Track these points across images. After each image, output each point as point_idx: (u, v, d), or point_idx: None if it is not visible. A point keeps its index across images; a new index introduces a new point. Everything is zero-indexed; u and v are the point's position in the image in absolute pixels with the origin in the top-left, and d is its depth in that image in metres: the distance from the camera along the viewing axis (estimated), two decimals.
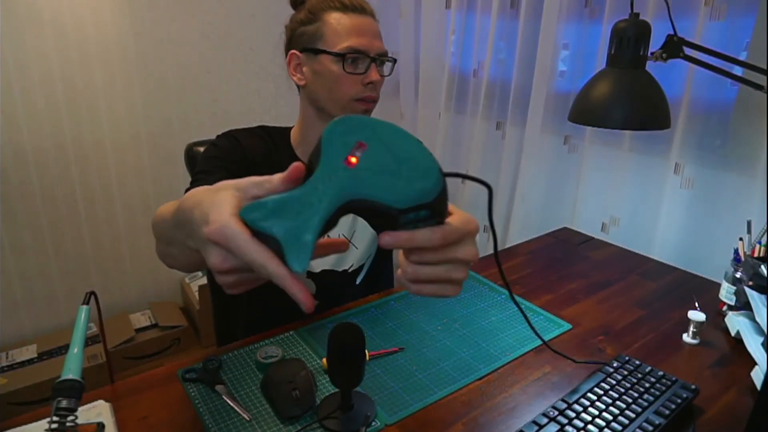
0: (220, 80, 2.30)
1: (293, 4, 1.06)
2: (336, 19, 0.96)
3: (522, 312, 0.71)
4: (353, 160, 0.43)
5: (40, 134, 1.94)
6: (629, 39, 0.92)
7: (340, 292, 1.10)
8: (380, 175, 0.43)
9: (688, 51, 0.97)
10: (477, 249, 0.52)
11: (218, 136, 1.06)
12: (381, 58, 1.00)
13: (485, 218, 1.95)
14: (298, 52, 1.01)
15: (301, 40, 0.99)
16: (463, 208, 2.16)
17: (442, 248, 0.48)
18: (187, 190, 0.86)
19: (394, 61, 1.04)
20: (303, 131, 1.08)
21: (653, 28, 0.93)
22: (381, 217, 0.44)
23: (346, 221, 1.09)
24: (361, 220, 1.09)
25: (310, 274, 1.06)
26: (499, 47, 1.94)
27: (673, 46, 0.96)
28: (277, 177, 0.46)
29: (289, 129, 1.13)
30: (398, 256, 0.54)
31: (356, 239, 1.10)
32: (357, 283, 1.15)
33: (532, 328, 0.72)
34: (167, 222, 0.59)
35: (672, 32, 0.96)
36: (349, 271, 1.09)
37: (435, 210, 0.45)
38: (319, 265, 1.06)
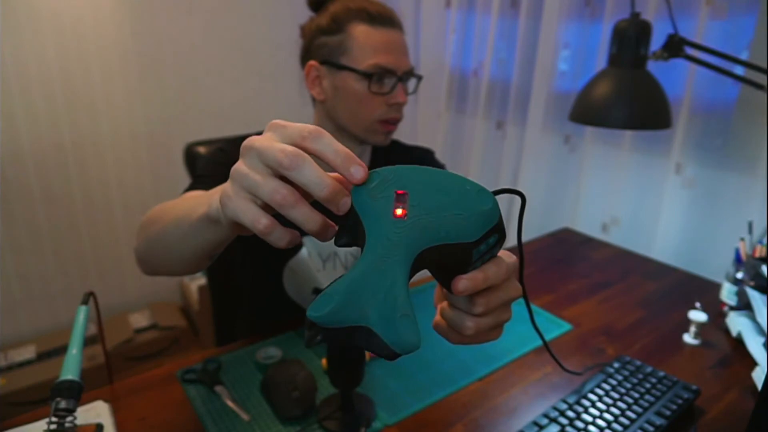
0: (220, 80, 2.30)
1: (313, 5, 0.99)
2: (363, 32, 0.89)
3: (541, 338, 0.63)
4: (400, 212, 0.38)
5: (39, 134, 1.94)
6: (630, 38, 0.91)
7: None
8: (437, 214, 0.38)
9: (689, 50, 0.97)
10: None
11: (227, 141, 0.99)
12: (407, 75, 0.94)
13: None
14: (318, 64, 0.93)
15: (322, 52, 0.92)
16: None
17: (504, 284, 0.45)
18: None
19: (420, 78, 0.97)
20: None
21: (654, 28, 0.93)
22: (453, 262, 0.40)
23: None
24: None
25: (317, 291, 1.03)
26: (500, 47, 1.94)
27: (674, 46, 0.96)
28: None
29: None
30: (438, 307, 0.49)
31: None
32: None
33: (544, 342, 0.71)
34: (185, 217, 0.57)
35: (673, 31, 0.96)
36: None
37: (501, 231, 0.42)
38: (326, 281, 1.03)
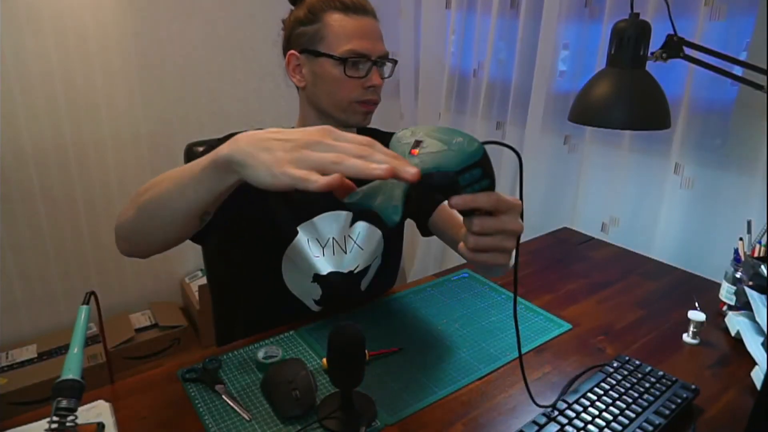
0: (220, 80, 2.30)
1: (292, 0, 1.03)
2: (337, 20, 0.94)
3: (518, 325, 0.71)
4: (415, 152, 0.57)
5: (40, 134, 1.94)
6: (629, 39, 0.92)
7: (345, 293, 1.09)
8: (437, 153, 0.56)
9: (688, 51, 0.97)
10: (522, 224, 0.63)
11: (222, 139, 0.97)
12: (382, 60, 0.99)
13: None
14: (297, 53, 0.99)
15: (301, 41, 0.97)
16: None
17: (497, 215, 0.61)
18: None
19: (395, 62, 1.03)
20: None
21: (653, 28, 0.93)
22: (445, 184, 0.58)
23: (338, 221, 1.06)
24: (367, 224, 1.07)
25: (317, 277, 1.04)
26: (499, 47, 1.94)
27: (673, 46, 0.96)
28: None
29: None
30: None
31: (361, 241, 1.07)
32: (362, 288, 1.12)
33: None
34: (186, 172, 0.66)
35: (672, 32, 0.96)
36: (355, 272, 1.07)
37: (485, 169, 0.60)
38: (325, 267, 1.04)
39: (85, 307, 0.74)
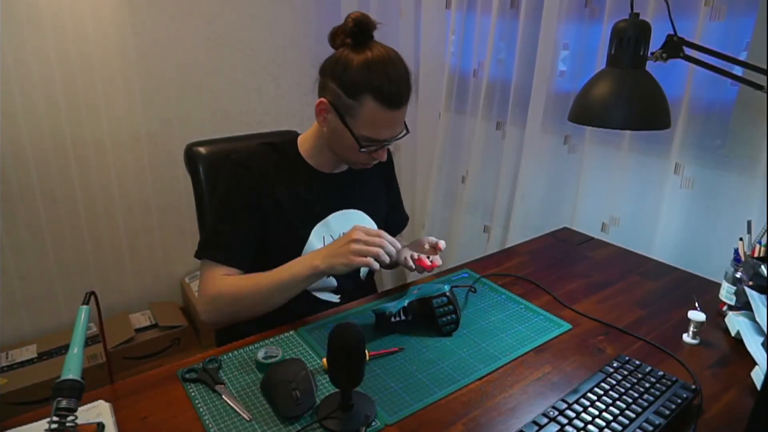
0: (220, 80, 2.30)
1: (332, 41, 1.03)
2: (371, 110, 0.97)
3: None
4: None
5: (40, 134, 1.94)
6: (629, 39, 0.92)
7: (352, 281, 1.20)
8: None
9: (688, 51, 0.97)
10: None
11: (226, 174, 1.10)
12: (395, 138, 1.05)
13: (486, 218, 1.95)
14: (328, 104, 1.02)
15: (336, 101, 1.00)
16: (463, 208, 2.16)
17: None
18: (211, 231, 1.08)
19: (406, 132, 1.08)
20: (317, 148, 1.12)
21: (653, 28, 0.93)
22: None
23: (348, 218, 1.15)
24: (365, 215, 1.19)
25: None
26: (499, 47, 1.93)
27: (673, 46, 0.96)
28: None
29: (294, 138, 1.16)
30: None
31: None
32: (361, 276, 1.23)
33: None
34: (291, 280, 1.00)
35: (672, 32, 0.96)
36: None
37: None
38: None
39: (85, 307, 0.74)
